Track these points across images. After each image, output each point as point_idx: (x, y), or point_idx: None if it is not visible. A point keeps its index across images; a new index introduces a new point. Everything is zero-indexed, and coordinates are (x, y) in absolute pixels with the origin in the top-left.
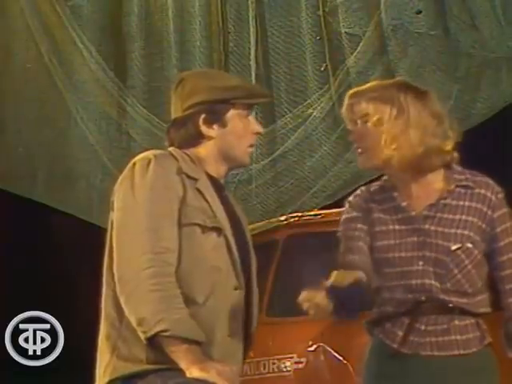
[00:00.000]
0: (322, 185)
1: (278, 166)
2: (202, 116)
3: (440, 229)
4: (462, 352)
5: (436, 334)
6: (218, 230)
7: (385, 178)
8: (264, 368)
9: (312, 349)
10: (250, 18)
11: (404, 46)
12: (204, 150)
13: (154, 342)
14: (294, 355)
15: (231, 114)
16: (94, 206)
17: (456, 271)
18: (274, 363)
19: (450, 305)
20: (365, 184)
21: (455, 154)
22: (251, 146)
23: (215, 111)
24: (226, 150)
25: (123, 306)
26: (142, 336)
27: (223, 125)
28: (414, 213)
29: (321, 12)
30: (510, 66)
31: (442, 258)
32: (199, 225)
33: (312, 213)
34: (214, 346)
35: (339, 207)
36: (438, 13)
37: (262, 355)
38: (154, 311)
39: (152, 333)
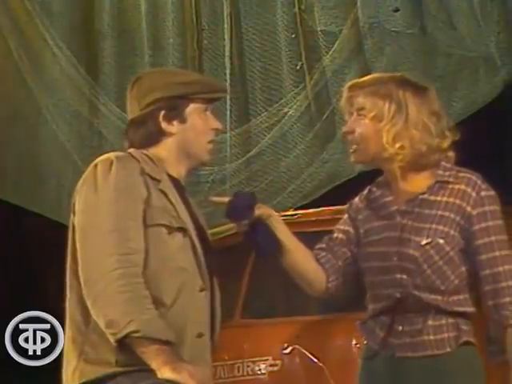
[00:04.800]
0: (297, 185)
1: (253, 165)
2: (162, 112)
3: (415, 224)
4: (435, 352)
5: (411, 334)
6: (184, 231)
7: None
8: (238, 371)
9: (287, 351)
10: (225, 15)
11: (380, 45)
12: (164, 149)
13: (123, 344)
14: (269, 358)
15: (190, 109)
16: (64, 205)
17: (425, 266)
18: (248, 366)
19: (423, 301)
20: (341, 184)
21: (451, 153)
22: (210, 142)
23: (175, 107)
24: (185, 146)
25: (90, 308)
26: (112, 338)
27: (183, 121)
28: (395, 207)
29: (296, 9)
30: (488, 65)
31: (412, 253)
32: (165, 225)
33: (288, 213)
34: (184, 347)
35: (315, 207)
36: (415, 11)
37: (236, 358)
38: (124, 312)
39: (122, 334)
